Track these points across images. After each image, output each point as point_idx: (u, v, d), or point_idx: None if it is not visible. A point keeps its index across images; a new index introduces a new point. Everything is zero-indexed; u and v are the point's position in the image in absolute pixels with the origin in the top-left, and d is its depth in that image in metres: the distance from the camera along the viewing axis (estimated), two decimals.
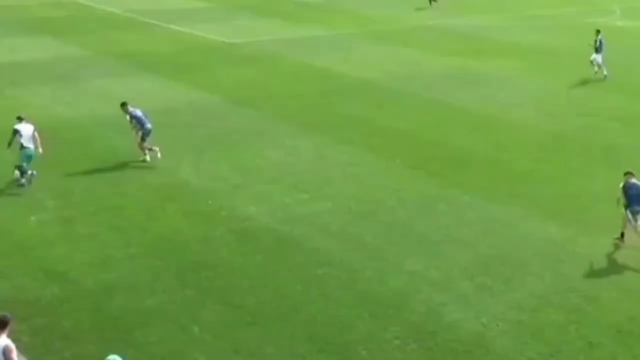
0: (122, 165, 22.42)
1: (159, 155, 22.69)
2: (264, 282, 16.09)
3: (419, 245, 17.82)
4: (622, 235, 17.95)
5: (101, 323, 14.50)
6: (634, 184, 17.73)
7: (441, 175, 22.07)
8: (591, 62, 32.98)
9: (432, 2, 51.82)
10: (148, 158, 22.65)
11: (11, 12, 48.27)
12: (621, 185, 17.82)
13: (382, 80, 32.71)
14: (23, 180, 20.73)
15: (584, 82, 32.69)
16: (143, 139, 22.59)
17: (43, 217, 18.93)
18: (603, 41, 32.98)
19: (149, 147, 22.71)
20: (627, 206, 17.64)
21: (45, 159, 22.55)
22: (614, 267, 17.01)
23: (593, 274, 16.71)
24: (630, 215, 17.67)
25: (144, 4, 51.98)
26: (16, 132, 20.86)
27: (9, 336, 11.29)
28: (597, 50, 32.94)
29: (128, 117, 22.90)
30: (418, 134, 25.67)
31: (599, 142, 25.23)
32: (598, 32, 33.42)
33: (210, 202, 19.97)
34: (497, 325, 14.71)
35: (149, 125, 22.66)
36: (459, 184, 21.48)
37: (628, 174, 17.96)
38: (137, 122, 22.64)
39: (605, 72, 32.74)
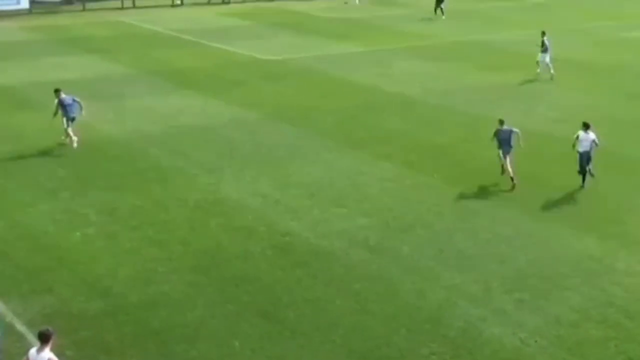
0: (165, 181, 22.70)
1: (74, 144, 25.26)
2: (304, 297, 16.17)
3: (457, 260, 17.77)
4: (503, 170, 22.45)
5: (143, 337, 14.69)
6: (503, 130, 22.57)
7: (480, 190, 21.98)
8: (537, 62, 35.15)
9: (437, 10, 53.74)
10: (67, 141, 25.46)
11: (58, 31, 49.15)
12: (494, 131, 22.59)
13: (421, 96, 32.68)
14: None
15: (624, 96, 32.32)
16: (67, 125, 25.30)
17: (88, 232, 19.24)
18: (548, 42, 34.87)
19: (71, 134, 25.33)
20: (499, 148, 22.51)
21: (90, 175, 23.04)
22: None
23: (633, 289, 16.50)
24: (501, 155, 22.42)
25: (186, 23, 52.62)
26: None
27: (52, 350, 11.50)
28: (544, 50, 34.97)
29: (56, 101, 25.38)
30: (456, 149, 25.60)
31: (638, 155, 24.92)
32: (543, 33, 35.46)
33: (250, 217, 20.13)
34: (536, 341, 14.61)
35: (73, 114, 25.31)
36: (497, 198, 21.38)
37: (500, 121, 22.82)
38: (63, 108, 25.26)
39: (552, 72, 34.89)
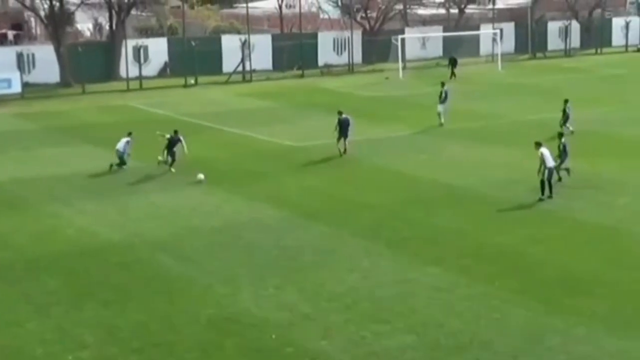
0: (173, 294, 22.71)
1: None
2: None
3: None
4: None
5: None
6: (344, 119, 35.73)
7: (551, 301, 21.65)
8: (438, 113, 43.83)
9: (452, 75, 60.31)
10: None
11: (53, 118, 50.41)
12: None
13: (478, 187, 32.69)
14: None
15: None
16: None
17: (82, 356, 19.14)
18: (448, 93, 44.58)
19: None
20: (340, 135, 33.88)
21: (87, 286, 23.16)
22: None
23: None
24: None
25: (201, 106, 53.76)
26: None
27: None
28: (442, 101, 44.33)
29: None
30: (522, 251, 25.38)
31: None
32: (443, 84, 45.74)
33: (274, 336, 19.97)
34: None
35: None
36: (574, 311, 21.01)
37: (339, 112, 36.07)
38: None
39: (442, 121, 43.63)
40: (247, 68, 66.85)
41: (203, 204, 31.32)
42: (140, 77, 63.16)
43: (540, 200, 30.11)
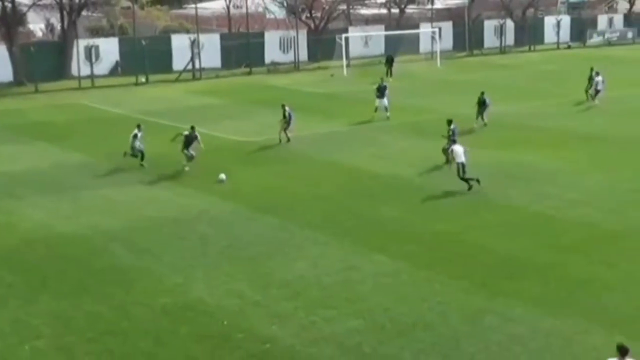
0: (127, 284, 22.56)
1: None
2: None
3: None
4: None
5: None
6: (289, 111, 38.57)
7: (489, 285, 21.91)
8: (378, 107, 44.48)
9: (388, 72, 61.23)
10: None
11: (5, 117, 49.65)
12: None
13: (419, 178, 32.95)
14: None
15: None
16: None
17: (38, 345, 18.97)
18: (387, 88, 44.96)
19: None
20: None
21: (42, 279, 22.90)
22: None
23: None
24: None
25: (152, 103, 53.33)
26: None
27: None
28: (380, 95, 44.52)
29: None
30: (462, 238, 25.65)
31: None
32: (382, 79, 46.59)
33: (226, 322, 19.96)
34: None
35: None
36: (510, 294, 21.29)
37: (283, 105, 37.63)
38: None
39: (388, 114, 44.33)
40: (197, 66, 66.50)
41: (156, 197, 31.15)
42: (92, 76, 62.53)
43: (470, 189, 30.51)
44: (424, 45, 77.63)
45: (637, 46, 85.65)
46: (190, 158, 34.96)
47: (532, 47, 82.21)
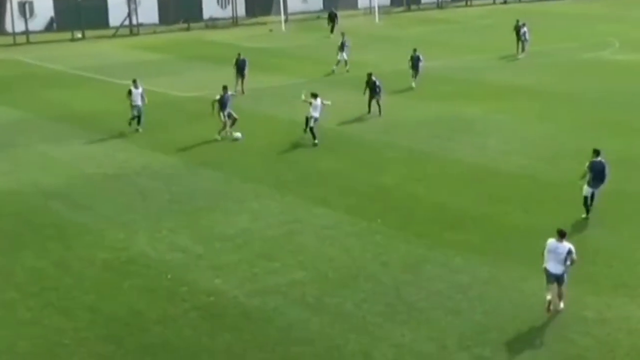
0: (68, 239, 22.30)
1: None
2: None
3: (407, 315, 17.79)
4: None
5: None
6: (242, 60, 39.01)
7: (429, 235, 22.15)
8: (339, 61, 44.96)
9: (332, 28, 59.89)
10: None
11: None
12: None
13: (359, 131, 32.99)
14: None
15: (581, 125, 33.16)
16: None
17: None
18: (347, 42, 45.60)
19: None
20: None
21: None
22: (625, 331, 17.04)
23: (603, 339, 16.72)
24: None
25: (89, 59, 52.33)
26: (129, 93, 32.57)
27: None
28: (342, 49, 45.12)
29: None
30: (401, 190, 25.81)
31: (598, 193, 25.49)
32: (343, 34, 46.67)
33: (169, 276, 19.87)
34: None
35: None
36: (449, 244, 21.56)
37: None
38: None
39: (347, 68, 44.63)
40: (134, 22, 65.35)
41: (96, 153, 30.70)
42: (27, 32, 61.06)
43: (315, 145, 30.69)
44: (362, 1, 77.33)
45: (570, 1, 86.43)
46: (232, 121, 31.50)
47: (468, 2, 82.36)
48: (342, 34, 46.99)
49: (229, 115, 31.43)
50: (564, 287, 17.68)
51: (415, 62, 40.91)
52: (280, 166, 28.67)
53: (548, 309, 17.54)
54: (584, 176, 22.82)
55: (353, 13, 74.42)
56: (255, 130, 33.37)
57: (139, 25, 65.23)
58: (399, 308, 18.09)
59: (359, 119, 34.70)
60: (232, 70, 40.40)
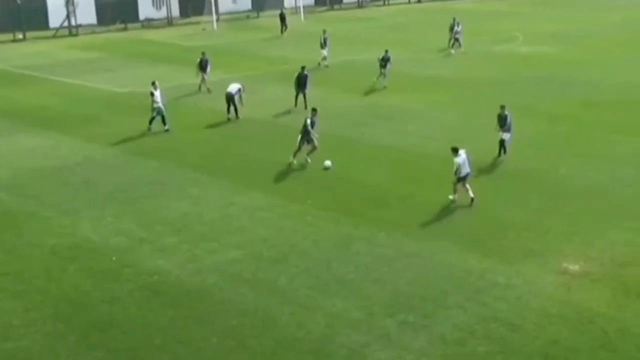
0: (16, 228, 21.98)
1: None
2: (178, 338, 15.97)
3: (337, 287, 17.99)
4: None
5: None
6: (205, 59, 38.16)
7: (356, 214, 22.38)
8: (324, 57, 44.60)
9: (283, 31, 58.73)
10: None
11: None
12: None
13: (290, 121, 33.01)
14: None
15: (492, 110, 33.71)
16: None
17: None
18: (328, 39, 45.02)
19: None
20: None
21: None
22: (534, 294, 17.52)
23: (514, 302, 17.17)
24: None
25: (31, 58, 51.33)
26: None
27: None
28: (323, 46, 44.69)
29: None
30: (329, 174, 25.98)
31: (510, 169, 26.09)
32: (324, 31, 45.87)
33: (114, 258, 19.74)
34: None
35: None
36: (375, 221, 21.83)
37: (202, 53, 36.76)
38: None
39: (326, 63, 44.54)
40: (73, 23, 64.18)
41: (39, 146, 30.19)
42: None
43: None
44: (288, 1, 77.17)
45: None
46: (311, 147, 26.82)
47: (386, 1, 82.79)
48: (324, 31, 45.95)
49: (309, 141, 26.85)
50: (468, 182, 22.86)
51: (384, 62, 39.42)
52: (217, 155, 28.60)
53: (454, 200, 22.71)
54: (497, 126, 26.90)
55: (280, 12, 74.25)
56: (192, 122, 33.20)
57: (78, 26, 64.09)
58: (329, 281, 18.29)
59: (290, 111, 34.70)
60: (195, 69, 39.15)
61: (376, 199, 23.64)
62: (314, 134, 26.83)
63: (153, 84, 31.69)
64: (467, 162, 23.16)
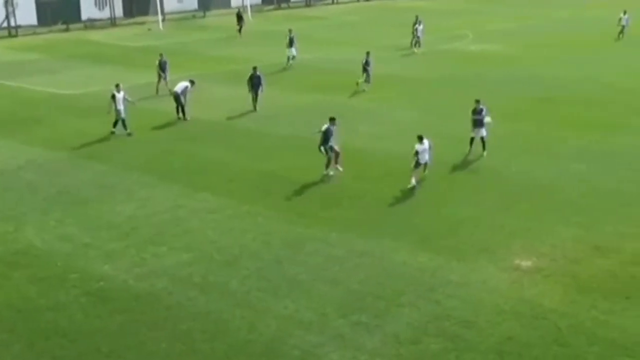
0: None
1: None
2: (126, 344, 15.83)
3: (289, 288, 18.01)
4: None
5: None
6: (164, 61, 37.27)
7: (307, 215, 22.42)
8: (294, 56, 45.07)
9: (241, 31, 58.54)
10: None
11: None
12: None
13: (238, 122, 33.02)
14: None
15: (443, 108, 34.14)
16: None
17: None
18: (294, 38, 45.26)
19: None
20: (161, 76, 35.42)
21: None
22: (487, 291, 17.74)
23: (468, 299, 17.38)
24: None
25: None
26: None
27: None
28: (289, 45, 45.05)
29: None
30: (280, 175, 25.98)
31: (463, 167, 26.38)
32: (290, 31, 45.70)
33: (59, 264, 19.49)
34: None
35: None
36: (327, 221, 21.90)
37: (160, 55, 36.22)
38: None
39: (290, 62, 44.83)
40: (12, 24, 63.23)
41: None
42: None
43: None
44: (235, 0, 77.06)
45: None
46: (335, 155, 25.91)
47: (335, 0, 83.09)
48: (290, 30, 45.87)
49: (331, 149, 26.02)
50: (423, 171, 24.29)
51: (365, 65, 38.61)
52: (165, 156, 28.42)
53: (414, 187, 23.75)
54: (472, 118, 27.34)
55: (227, 12, 74.06)
56: (139, 123, 32.89)
57: (18, 27, 63.21)
58: (281, 282, 18.30)
59: (243, 111, 34.60)
60: (154, 72, 38.75)
61: (329, 198, 23.71)
62: (332, 143, 25.81)
63: (117, 86, 31.37)
64: (427, 152, 24.39)
